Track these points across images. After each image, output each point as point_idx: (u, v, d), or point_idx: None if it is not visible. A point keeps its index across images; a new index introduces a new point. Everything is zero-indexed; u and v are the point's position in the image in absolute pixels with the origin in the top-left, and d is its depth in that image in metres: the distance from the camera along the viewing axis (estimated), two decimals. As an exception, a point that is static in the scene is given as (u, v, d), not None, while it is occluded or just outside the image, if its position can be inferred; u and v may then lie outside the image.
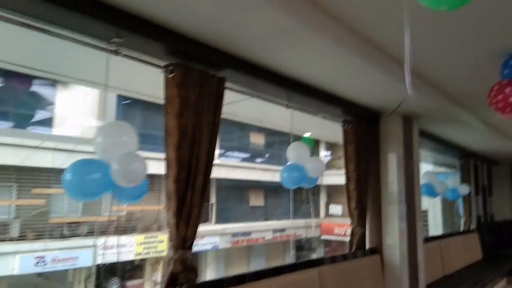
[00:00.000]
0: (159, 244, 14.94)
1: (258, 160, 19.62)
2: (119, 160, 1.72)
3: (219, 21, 2.03)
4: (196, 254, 16.31)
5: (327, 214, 22.49)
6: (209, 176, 2.28)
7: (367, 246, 3.96)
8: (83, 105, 10.67)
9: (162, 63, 2.24)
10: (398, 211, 3.90)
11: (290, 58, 2.60)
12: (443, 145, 6.02)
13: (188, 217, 2.10)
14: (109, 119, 11.57)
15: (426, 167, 9.82)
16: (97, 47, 1.97)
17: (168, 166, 2.15)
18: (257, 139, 19.88)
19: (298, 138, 5.94)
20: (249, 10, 1.90)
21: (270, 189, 20.24)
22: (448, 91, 3.75)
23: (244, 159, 18.52)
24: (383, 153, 4.09)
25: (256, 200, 20.04)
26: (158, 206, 15.55)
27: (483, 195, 8.14)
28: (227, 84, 2.57)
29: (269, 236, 19.20)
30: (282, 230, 19.72)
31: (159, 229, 15.46)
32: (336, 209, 22.38)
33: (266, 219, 19.69)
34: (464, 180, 7.00)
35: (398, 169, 4.01)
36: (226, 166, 17.33)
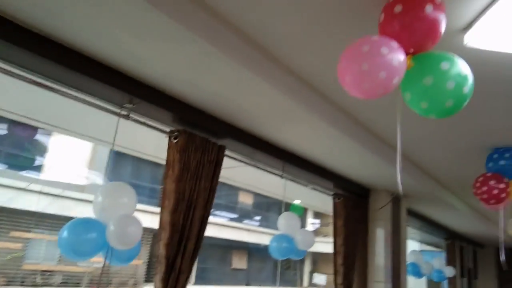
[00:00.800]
0: (133, 301, 14.14)
1: (246, 220, 19.32)
2: (116, 222, 1.75)
3: (227, 99, 2.19)
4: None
5: (311, 284, 21.70)
6: (201, 241, 2.30)
7: (351, 324, 3.86)
8: (76, 153, 10.73)
9: (168, 129, 2.36)
10: (384, 290, 3.87)
11: (288, 133, 2.74)
12: (429, 225, 6.09)
13: (175, 284, 2.09)
14: (100, 168, 11.56)
15: (412, 245, 9.80)
16: (109, 111, 2.09)
17: (161, 229, 2.17)
18: (246, 199, 19.76)
19: (288, 205, 5.99)
20: (257, 93, 2.06)
21: (255, 252, 19.73)
22: (436, 175, 3.91)
23: (231, 219, 18.23)
24: (371, 229, 4.14)
25: (239, 262, 19.42)
26: (138, 261, 14.97)
27: (468, 278, 8.05)
28: (226, 152, 2.68)
29: (251, 302, 18.32)
30: (265, 296, 18.89)
31: (135, 285, 14.74)
32: (320, 278, 21.64)
33: (247, 284, 18.98)
34: (449, 261, 6.97)
35: (386, 246, 4.03)
36: (210, 224, 16.98)
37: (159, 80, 2.04)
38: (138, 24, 1.55)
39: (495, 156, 2.78)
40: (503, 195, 2.63)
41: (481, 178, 2.71)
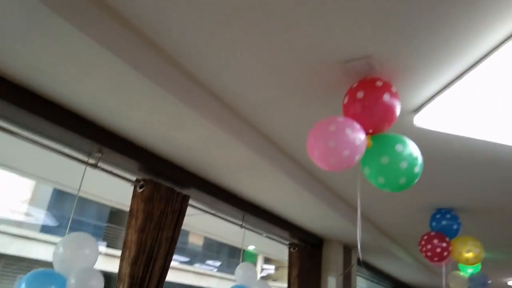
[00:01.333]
0: None
1: (197, 264, 18.71)
2: (77, 275, 1.72)
3: (196, 152, 2.27)
4: None
5: None
6: (159, 294, 2.27)
7: None
8: (17, 190, 10.16)
9: (133, 178, 2.38)
10: None
11: (251, 185, 2.85)
12: (377, 274, 6.30)
13: None
14: (42, 205, 10.93)
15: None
16: (77, 160, 2.09)
17: (120, 281, 2.14)
18: (196, 239, 19.28)
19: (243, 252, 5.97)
20: (226, 149, 2.16)
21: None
22: (386, 230, 4.14)
23: (181, 262, 17.58)
24: (324, 279, 4.22)
25: (184, 308, 18.56)
26: None
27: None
28: (189, 201, 2.72)
29: None
30: None
31: None
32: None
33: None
34: (395, 311, 7.17)
35: (337, 297, 4.13)
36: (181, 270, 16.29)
37: (131, 132, 2.09)
38: (119, 84, 1.63)
39: (438, 216, 3.03)
40: (445, 253, 2.86)
41: (425, 237, 2.93)
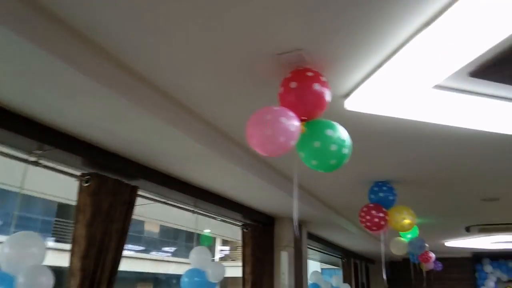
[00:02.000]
0: None
1: (153, 251, 18.56)
2: (26, 273, 1.72)
3: (141, 144, 2.29)
4: None
5: None
6: (113, 284, 2.31)
7: None
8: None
9: (78, 173, 2.36)
10: (288, 312, 4.16)
11: (199, 172, 2.92)
12: (328, 246, 6.68)
13: (87, 332, 2.07)
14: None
15: (315, 264, 10.49)
16: (17, 158, 2.04)
17: (71, 275, 2.14)
18: (153, 227, 19.07)
19: (198, 236, 6.06)
20: (170, 139, 2.21)
21: (160, 283, 19.03)
22: (330, 203, 4.40)
23: (137, 251, 17.36)
24: (277, 254, 4.43)
25: (145, 293, 18.49)
26: None
27: (362, 292, 8.90)
28: (139, 191, 2.75)
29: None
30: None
31: None
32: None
33: (153, 316, 18.12)
34: (345, 278, 7.66)
35: (289, 267, 4.36)
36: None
37: (72, 128, 2.07)
38: (54, 81, 1.61)
39: (375, 188, 3.29)
40: (383, 222, 3.12)
41: (365, 209, 3.18)
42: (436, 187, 3.60)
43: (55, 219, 13.92)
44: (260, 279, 4.13)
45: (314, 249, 6.50)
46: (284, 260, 4.37)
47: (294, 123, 1.50)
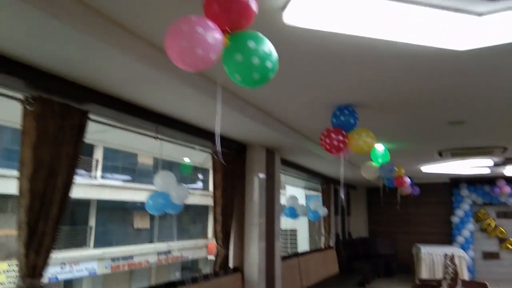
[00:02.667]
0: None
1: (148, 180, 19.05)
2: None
3: (80, 64, 2.21)
4: (71, 281, 14.87)
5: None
6: (66, 206, 2.37)
7: (232, 265, 4.34)
8: None
9: (22, 96, 2.30)
10: (258, 231, 4.38)
11: (158, 98, 2.87)
12: (306, 172, 6.86)
13: (38, 246, 2.16)
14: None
15: (299, 192, 10.86)
16: None
17: (21, 196, 2.19)
18: (146, 159, 19.40)
19: (176, 164, 6.19)
20: (106, 57, 2.12)
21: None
22: (300, 130, 4.42)
23: (127, 181, 17.82)
24: (249, 180, 4.56)
25: (142, 222, 19.35)
26: (8, 231, 13.80)
27: (342, 216, 9.34)
28: (93, 117, 2.72)
29: (153, 259, 18.67)
30: (168, 252, 19.38)
31: (8, 256, 13.60)
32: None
33: (151, 242, 19.15)
34: (324, 202, 7.98)
35: (260, 193, 4.51)
36: (109, 187, 16.54)
37: (8, 50, 1.98)
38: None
39: (337, 112, 3.27)
40: (342, 145, 3.15)
41: (325, 132, 3.19)
42: (400, 111, 3.59)
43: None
44: (231, 203, 4.29)
45: (289, 175, 6.66)
46: (256, 187, 4.49)
47: (213, 35, 1.43)
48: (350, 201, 10.20)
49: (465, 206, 9.27)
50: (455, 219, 9.32)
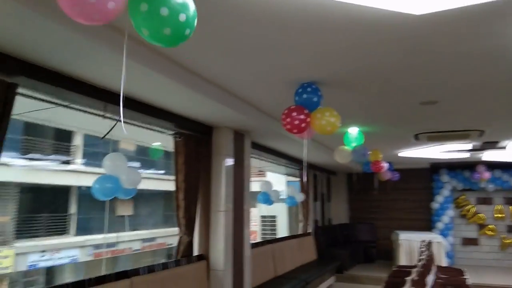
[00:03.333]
0: (4, 260, 13.25)
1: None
2: None
3: (8, 32, 1.94)
4: (52, 269, 14.64)
5: None
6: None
7: (196, 253, 4.15)
8: None
9: None
10: (225, 218, 4.18)
11: (105, 74, 2.63)
12: (282, 158, 6.66)
13: None
14: None
15: (280, 178, 10.71)
16: None
17: None
18: (128, 146, 19.04)
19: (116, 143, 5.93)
20: (28, 23, 1.86)
21: (141, 197, 19.55)
22: (269, 111, 4.20)
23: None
24: (215, 164, 4.33)
25: (124, 209, 19.10)
26: (3, 217, 13.75)
27: (322, 202, 9.21)
28: (24, 91, 2.47)
29: (137, 246, 18.52)
30: (152, 239, 19.29)
31: (4, 242, 13.64)
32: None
33: (135, 229, 18.98)
34: (303, 188, 7.83)
35: (227, 178, 4.30)
36: (90, 174, 16.22)
37: None
38: None
39: (300, 90, 3.05)
40: (303, 125, 2.94)
41: (286, 111, 2.98)
42: (369, 89, 3.39)
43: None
44: (195, 188, 4.07)
45: (264, 160, 6.46)
46: (222, 173, 4.27)
47: (111, -21, 1.18)
48: (331, 187, 10.08)
49: (445, 192, 9.22)
50: (435, 205, 9.27)
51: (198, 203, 4.14)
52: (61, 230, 15.73)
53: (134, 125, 3.63)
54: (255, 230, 13.74)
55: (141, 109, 3.34)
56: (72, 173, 15.02)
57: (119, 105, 3.08)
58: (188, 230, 3.96)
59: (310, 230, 8.09)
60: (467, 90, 3.38)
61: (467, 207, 9.30)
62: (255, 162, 6.38)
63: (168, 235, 19.43)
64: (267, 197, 5.88)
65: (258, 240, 12.38)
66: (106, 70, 2.59)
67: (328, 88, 3.25)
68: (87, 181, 15.71)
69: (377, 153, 6.81)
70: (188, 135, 4.03)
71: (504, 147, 6.41)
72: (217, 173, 4.29)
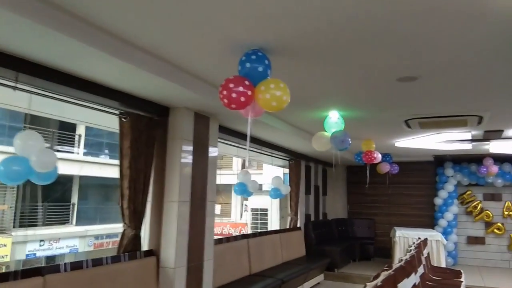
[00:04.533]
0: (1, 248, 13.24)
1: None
2: None
3: None
4: (54, 258, 14.56)
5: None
6: None
7: (146, 248, 3.72)
8: None
9: None
10: (179, 209, 3.73)
11: (15, 39, 2.22)
12: (270, 148, 6.17)
13: None
14: None
15: (277, 170, 10.21)
16: None
17: None
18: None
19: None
20: None
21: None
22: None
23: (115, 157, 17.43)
24: (171, 149, 3.87)
25: (127, 200, 18.89)
26: (2, 206, 13.72)
27: (316, 195, 8.68)
28: None
29: (141, 236, 18.34)
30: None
31: (2, 231, 13.63)
32: (217, 208, 22.51)
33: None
34: (292, 180, 7.32)
35: (184, 165, 3.84)
36: (93, 163, 16.06)
37: None
38: None
39: (243, 59, 2.55)
40: (243, 99, 2.45)
41: (223, 82, 2.48)
42: (332, 61, 2.85)
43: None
44: (144, 176, 3.62)
45: (246, 149, 5.96)
46: (180, 157, 3.81)
47: None
48: (327, 180, 9.53)
49: (450, 186, 8.56)
50: (438, 201, 8.63)
51: (148, 192, 3.69)
52: (62, 220, 15.67)
53: (56, 99, 3.15)
54: (245, 223, 13.30)
55: (67, 82, 2.89)
56: (74, 162, 14.91)
57: (34, 75, 2.66)
58: (133, 222, 3.52)
59: (300, 224, 7.60)
60: (450, 63, 2.82)
61: (473, 204, 8.64)
62: (231, 151, 5.91)
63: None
64: (244, 188, 5.40)
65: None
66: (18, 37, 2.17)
67: (281, 57, 2.74)
68: (89, 170, 15.56)
69: (370, 142, 6.26)
70: (136, 115, 3.58)
71: (511, 138, 5.77)
72: (173, 159, 3.83)
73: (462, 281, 5.10)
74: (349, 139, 4.32)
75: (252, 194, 5.61)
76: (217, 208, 21.58)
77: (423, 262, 5.14)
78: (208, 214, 4.18)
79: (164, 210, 3.77)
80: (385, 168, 7.91)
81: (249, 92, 2.46)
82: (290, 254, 6.73)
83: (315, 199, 8.63)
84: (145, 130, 3.65)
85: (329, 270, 7.39)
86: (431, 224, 8.74)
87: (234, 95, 2.43)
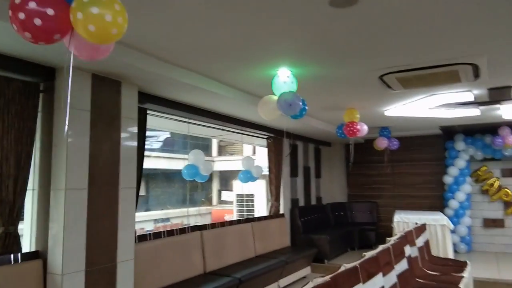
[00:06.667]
0: None
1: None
2: None
3: None
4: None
5: (220, 201, 22.26)
6: None
7: (32, 248, 2.94)
8: None
9: None
10: (70, 199, 2.90)
11: None
12: (240, 125, 5.25)
13: None
14: None
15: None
16: None
17: None
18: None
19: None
20: None
21: (154, 177, 19.07)
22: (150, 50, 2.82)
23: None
24: (58, 123, 3.01)
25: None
26: None
27: (306, 177, 7.72)
28: None
29: (149, 226, 18.02)
30: (166, 219, 18.84)
31: None
32: (228, 195, 22.01)
33: (147, 209, 18.60)
34: (271, 160, 6.40)
35: (78, 142, 3.00)
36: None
37: None
38: None
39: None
40: (47, 23, 1.54)
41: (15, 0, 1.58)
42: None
43: None
44: (19, 158, 2.80)
45: (176, 120, 5.03)
46: (64, 135, 2.94)
47: None
48: (320, 160, 8.52)
49: (461, 162, 7.40)
50: (448, 179, 7.50)
51: (26, 178, 2.87)
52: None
53: None
54: (231, 209, 12.51)
55: None
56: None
57: None
58: (3, 218, 2.72)
59: (284, 211, 6.69)
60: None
61: (490, 181, 7.47)
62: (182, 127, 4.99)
63: (184, 215, 18.81)
64: (195, 170, 4.51)
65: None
66: None
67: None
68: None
69: (352, 112, 5.25)
70: (2, 78, 2.75)
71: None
72: (59, 135, 2.98)
73: (463, 276, 4.09)
74: (300, 102, 3.36)
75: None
76: (230, 195, 21.02)
77: (412, 254, 4.15)
78: (124, 204, 3.34)
79: (51, 200, 2.95)
80: (382, 143, 6.89)
81: (64, 16, 1.56)
82: (267, 245, 5.84)
83: (305, 182, 7.67)
84: (18, 97, 2.81)
85: (318, 262, 6.48)
86: (440, 206, 7.63)
87: (37, 21, 1.53)
